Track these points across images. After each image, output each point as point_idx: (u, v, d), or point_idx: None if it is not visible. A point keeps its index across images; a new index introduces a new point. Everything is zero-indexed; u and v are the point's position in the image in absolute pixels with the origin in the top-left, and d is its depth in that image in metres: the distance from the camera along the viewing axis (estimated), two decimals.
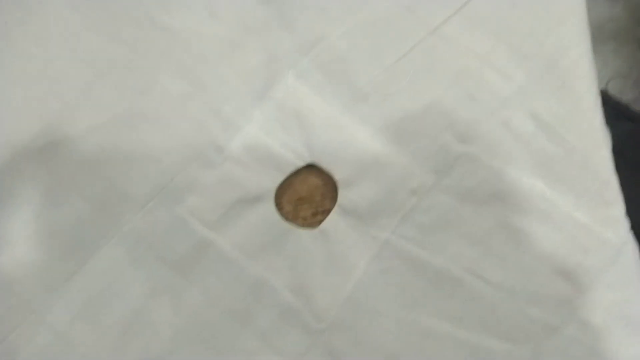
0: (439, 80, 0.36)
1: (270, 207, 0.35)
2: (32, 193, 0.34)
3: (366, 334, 0.34)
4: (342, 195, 0.35)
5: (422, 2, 0.36)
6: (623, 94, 0.79)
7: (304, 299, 0.34)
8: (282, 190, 0.36)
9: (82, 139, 0.34)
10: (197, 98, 0.35)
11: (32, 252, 0.33)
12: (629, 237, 0.35)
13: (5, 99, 0.34)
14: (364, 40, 0.36)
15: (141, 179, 0.34)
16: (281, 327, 0.34)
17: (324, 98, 0.36)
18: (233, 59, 0.36)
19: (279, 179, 0.35)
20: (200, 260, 0.34)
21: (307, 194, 0.36)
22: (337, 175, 0.35)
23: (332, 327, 0.34)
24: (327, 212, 0.35)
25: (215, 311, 0.33)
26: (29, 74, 0.35)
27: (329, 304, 0.34)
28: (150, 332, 0.33)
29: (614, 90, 0.67)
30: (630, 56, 0.82)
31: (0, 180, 0.33)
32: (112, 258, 0.33)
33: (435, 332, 0.34)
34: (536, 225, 0.34)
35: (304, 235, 0.35)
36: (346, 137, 0.35)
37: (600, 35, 0.81)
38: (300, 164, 0.35)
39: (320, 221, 0.35)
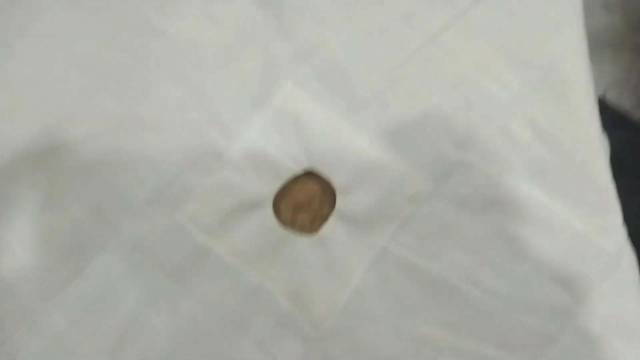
0: (436, 88, 0.36)
1: (268, 213, 0.35)
2: (30, 199, 0.34)
3: (363, 341, 0.34)
4: (341, 202, 0.35)
5: (420, 11, 0.36)
6: (621, 101, 0.80)
7: (301, 306, 0.34)
8: (281, 196, 0.36)
9: (80, 144, 0.34)
10: (196, 104, 0.35)
11: (30, 258, 0.33)
12: (626, 245, 0.35)
13: (3, 104, 0.35)
14: (362, 48, 0.36)
15: (139, 185, 0.34)
16: (278, 335, 0.33)
17: (323, 105, 0.36)
18: (232, 65, 0.36)
19: (277, 185, 0.35)
20: (198, 266, 0.34)
21: (306, 200, 0.36)
22: (336, 181, 0.35)
23: (329, 335, 0.34)
24: (325, 218, 0.35)
25: (212, 318, 0.33)
26: (28, 79, 0.35)
27: (326, 312, 0.34)
28: (147, 339, 0.33)
29: (611, 98, 0.67)
30: (628, 64, 0.82)
31: None
32: (110, 264, 0.33)
33: (432, 340, 0.34)
34: (533, 233, 0.34)
35: (302, 241, 0.35)
36: (344, 143, 0.35)
37: (597, 43, 0.82)
38: (298, 170, 0.35)
39: (319, 227, 0.35)
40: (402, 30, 0.36)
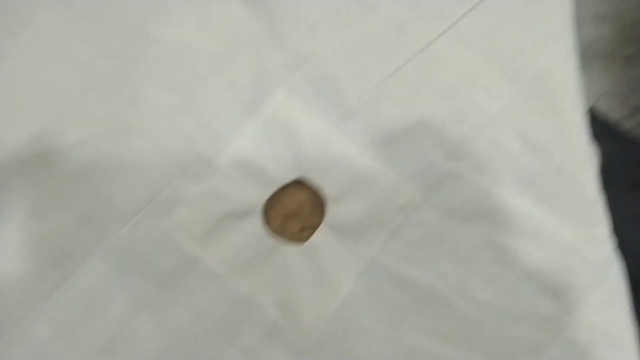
0: (427, 98, 0.36)
1: (257, 222, 0.35)
2: (18, 204, 0.33)
3: (352, 351, 0.34)
4: (331, 211, 0.35)
5: (412, 21, 0.37)
6: (611, 112, 0.80)
7: (289, 316, 0.34)
8: (271, 205, 0.35)
9: (70, 150, 0.34)
10: (187, 111, 0.35)
11: (16, 264, 0.33)
12: (614, 257, 0.35)
13: None
14: (354, 57, 0.36)
15: (128, 192, 0.34)
16: (266, 345, 0.33)
17: (314, 114, 0.36)
18: (223, 73, 0.36)
19: (267, 193, 0.35)
20: (186, 275, 0.33)
21: (296, 209, 0.36)
22: (326, 190, 0.35)
23: (318, 345, 0.33)
24: (315, 227, 0.35)
25: (199, 328, 0.33)
26: (18, 84, 0.35)
27: (315, 321, 0.34)
28: (133, 349, 0.33)
29: (602, 109, 0.68)
30: (618, 75, 0.83)
31: None
32: (96, 272, 0.33)
33: (421, 350, 0.34)
34: (522, 244, 0.34)
35: (291, 251, 0.35)
36: (335, 152, 0.35)
37: (588, 54, 0.82)
38: (289, 178, 0.35)
39: (308, 236, 0.35)
40: (394, 40, 0.37)
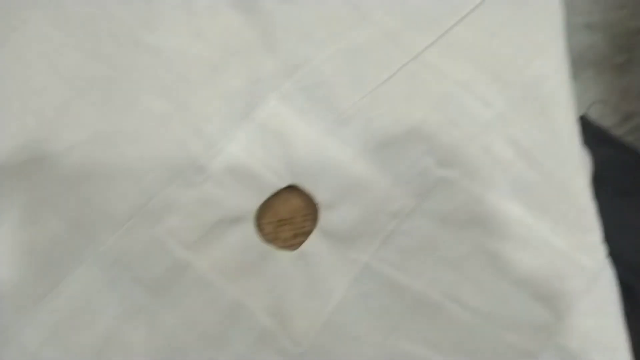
0: (420, 106, 0.36)
1: (250, 228, 0.35)
2: (9, 210, 0.33)
3: (345, 358, 0.33)
4: (323, 217, 0.35)
5: (405, 29, 0.37)
6: (603, 119, 0.81)
7: (281, 322, 0.33)
8: (263, 211, 0.35)
9: (61, 156, 0.34)
10: (179, 117, 0.35)
11: (7, 270, 0.32)
12: (606, 263, 0.35)
13: None
14: (347, 65, 0.36)
15: (120, 198, 0.34)
16: (258, 351, 0.33)
17: (307, 120, 0.36)
18: (216, 79, 0.36)
19: (260, 200, 0.35)
20: (177, 282, 0.33)
21: (288, 216, 0.36)
22: (319, 196, 0.35)
23: (310, 352, 0.33)
24: (307, 233, 0.35)
25: (191, 334, 0.33)
26: (9, 90, 0.34)
27: (307, 328, 0.33)
28: (125, 355, 0.32)
29: (594, 116, 0.68)
30: (610, 82, 0.84)
31: None
32: (87, 278, 0.33)
33: (413, 356, 0.34)
34: (514, 251, 0.35)
35: (284, 257, 0.35)
36: (328, 159, 0.35)
37: (580, 62, 0.83)
38: (282, 185, 0.35)
39: (301, 243, 0.35)
40: (387, 48, 0.37)
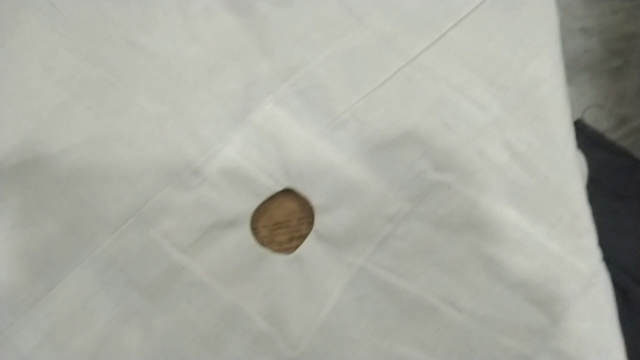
0: (415, 109, 0.36)
1: (245, 231, 0.35)
2: (4, 212, 0.33)
3: None
4: (319, 221, 0.35)
5: (399, 33, 0.37)
6: (598, 123, 0.81)
7: (277, 326, 0.33)
8: (259, 214, 0.35)
9: (57, 158, 0.34)
10: (175, 120, 0.35)
11: (1, 273, 0.32)
12: (601, 267, 0.35)
13: None
14: (342, 68, 0.36)
15: (115, 201, 0.34)
16: (254, 355, 0.33)
17: (303, 124, 0.36)
18: (212, 82, 0.36)
19: (256, 203, 0.35)
20: (173, 285, 0.33)
21: (284, 219, 0.36)
22: (314, 200, 0.35)
23: (306, 355, 0.33)
24: (303, 237, 0.35)
25: (186, 337, 0.33)
26: (5, 92, 0.34)
27: (302, 332, 0.33)
28: (120, 358, 0.32)
29: (589, 120, 0.68)
30: (605, 86, 0.84)
31: None
32: (82, 281, 0.33)
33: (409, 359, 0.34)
34: (509, 254, 0.35)
35: (279, 260, 0.34)
36: (323, 162, 0.35)
37: (576, 66, 0.83)
38: (277, 188, 0.35)
39: (297, 246, 0.35)
40: (383, 52, 0.37)
